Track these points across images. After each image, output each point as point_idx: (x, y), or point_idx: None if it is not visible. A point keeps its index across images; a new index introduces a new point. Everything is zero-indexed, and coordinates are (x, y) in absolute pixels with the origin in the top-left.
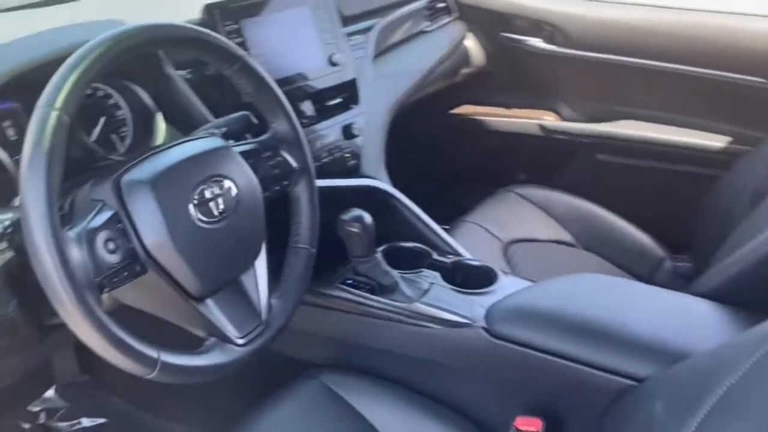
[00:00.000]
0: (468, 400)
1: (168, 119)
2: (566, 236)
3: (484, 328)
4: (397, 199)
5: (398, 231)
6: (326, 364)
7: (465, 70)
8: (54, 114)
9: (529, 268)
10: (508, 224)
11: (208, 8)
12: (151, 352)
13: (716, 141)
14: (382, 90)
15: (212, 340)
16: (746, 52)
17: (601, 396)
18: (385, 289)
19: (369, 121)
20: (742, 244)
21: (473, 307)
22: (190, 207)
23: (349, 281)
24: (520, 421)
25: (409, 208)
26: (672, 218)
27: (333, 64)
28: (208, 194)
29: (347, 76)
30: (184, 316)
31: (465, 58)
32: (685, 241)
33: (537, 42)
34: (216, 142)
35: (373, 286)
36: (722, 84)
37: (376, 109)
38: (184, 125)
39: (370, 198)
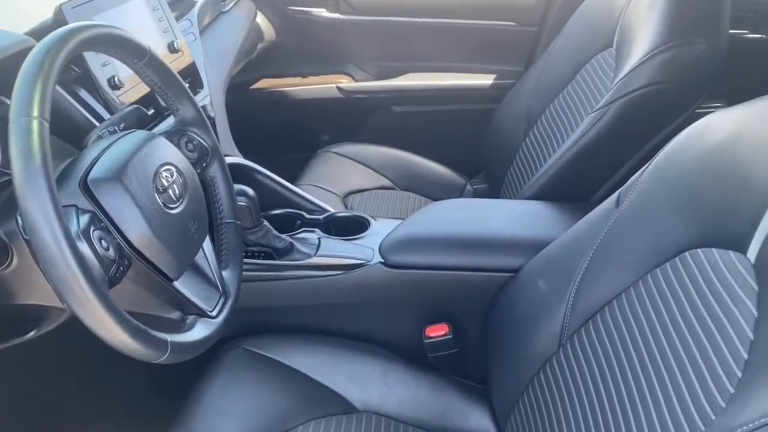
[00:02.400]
0: (379, 328)
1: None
2: (386, 182)
3: (381, 262)
4: (259, 171)
5: (267, 200)
6: (241, 335)
7: (260, 45)
8: (35, 122)
9: (368, 213)
10: (337, 180)
11: (62, 8)
12: (163, 336)
13: (487, 80)
14: (213, 71)
15: (191, 317)
16: (499, 1)
17: (488, 291)
18: (282, 252)
19: (213, 102)
20: (533, 157)
21: (362, 249)
22: (156, 196)
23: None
24: (430, 329)
25: (271, 178)
26: (463, 150)
27: (174, 50)
28: (164, 182)
29: (187, 60)
30: (163, 300)
31: (260, 34)
32: (477, 166)
33: (322, 12)
34: (145, 133)
35: (268, 252)
36: (484, 31)
37: (214, 90)
38: (66, 131)
39: (235, 174)
